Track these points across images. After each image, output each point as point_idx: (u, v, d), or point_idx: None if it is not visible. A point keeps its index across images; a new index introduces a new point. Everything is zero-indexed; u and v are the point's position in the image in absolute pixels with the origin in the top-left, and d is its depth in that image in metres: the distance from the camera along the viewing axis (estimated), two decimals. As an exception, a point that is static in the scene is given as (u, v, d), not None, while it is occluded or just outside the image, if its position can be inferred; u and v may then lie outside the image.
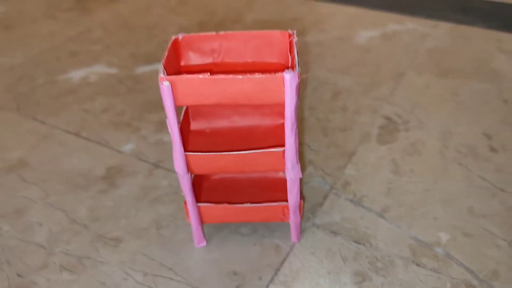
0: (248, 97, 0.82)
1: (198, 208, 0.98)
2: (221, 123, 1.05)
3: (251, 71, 0.81)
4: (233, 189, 1.06)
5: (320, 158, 1.24)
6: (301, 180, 1.18)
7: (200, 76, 0.80)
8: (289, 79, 0.79)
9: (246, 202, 0.98)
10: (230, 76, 0.79)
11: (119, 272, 1.00)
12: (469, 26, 1.75)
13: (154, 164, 1.26)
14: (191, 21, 1.98)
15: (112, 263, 1.02)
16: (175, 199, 1.15)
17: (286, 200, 0.99)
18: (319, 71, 1.58)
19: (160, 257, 1.02)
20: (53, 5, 2.23)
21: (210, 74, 0.80)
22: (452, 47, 1.66)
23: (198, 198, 1.04)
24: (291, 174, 0.91)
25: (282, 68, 0.96)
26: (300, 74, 0.81)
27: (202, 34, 0.95)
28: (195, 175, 1.04)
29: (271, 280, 0.96)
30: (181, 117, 0.99)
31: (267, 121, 1.04)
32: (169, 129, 0.86)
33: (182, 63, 0.97)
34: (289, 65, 0.89)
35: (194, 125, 1.05)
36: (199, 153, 0.89)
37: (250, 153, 0.88)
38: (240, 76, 0.79)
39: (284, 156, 0.89)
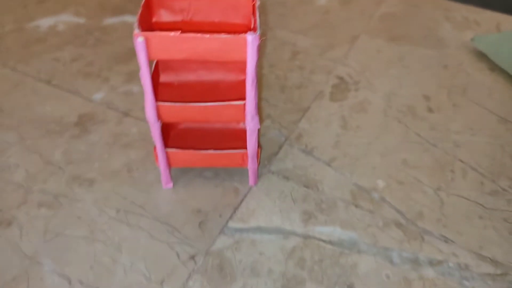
0: (214, 55, 0.93)
1: (167, 153, 1.10)
2: (189, 77, 1.15)
3: (218, 31, 0.91)
4: (198, 137, 1.18)
5: (277, 113, 1.37)
6: (259, 131, 1.31)
7: (172, 34, 0.89)
8: (251, 40, 0.89)
9: (209, 149, 1.10)
10: (199, 35, 0.89)
11: (94, 208, 1.11)
12: (421, -5, 1.88)
13: (124, 113, 1.35)
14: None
15: (87, 200, 1.12)
16: (144, 146, 1.26)
17: (245, 148, 1.12)
18: (281, 31, 1.68)
19: (132, 196, 1.14)
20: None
21: (181, 32, 0.89)
22: (404, 14, 1.79)
23: (166, 145, 1.15)
24: (251, 124, 1.03)
25: (245, 29, 1.06)
26: (260, 36, 0.92)
27: (173, -6, 1.03)
28: (163, 124, 1.15)
29: (230, 217, 1.10)
30: (152, 70, 1.08)
31: (230, 76, 1.15)
32: (142, 81, 0.95)
33: (154, 20, 1.06)
34: (252, 27, 0.99)
35: (163, 78, 1.14)
36: (169, 103, 0.99)
37: (215, 105, 1.00)
38: (207, 36, 0.89)
39: (244, 109, 1.01)
